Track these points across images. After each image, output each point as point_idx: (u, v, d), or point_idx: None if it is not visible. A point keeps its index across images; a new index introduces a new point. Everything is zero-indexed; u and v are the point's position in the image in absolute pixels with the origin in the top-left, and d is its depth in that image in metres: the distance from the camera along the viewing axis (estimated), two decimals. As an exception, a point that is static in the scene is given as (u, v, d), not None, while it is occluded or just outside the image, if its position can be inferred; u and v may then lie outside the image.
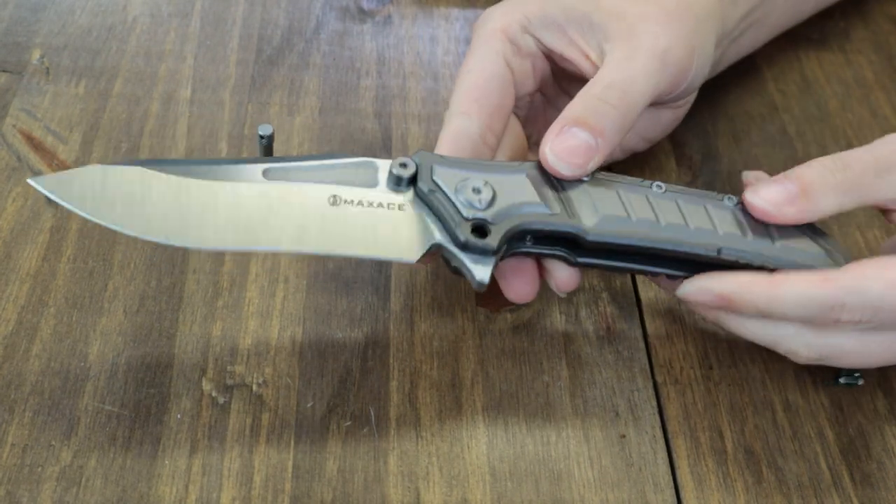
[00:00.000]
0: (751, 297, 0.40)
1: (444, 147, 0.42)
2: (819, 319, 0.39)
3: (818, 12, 0.62)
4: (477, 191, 0.40)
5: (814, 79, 0.59)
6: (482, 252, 0.39)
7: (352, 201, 0.40)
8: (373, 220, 0.40)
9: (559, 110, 0.42)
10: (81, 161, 0.50)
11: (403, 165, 0.40)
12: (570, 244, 0.41)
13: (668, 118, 0.50)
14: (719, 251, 0.40)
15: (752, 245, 0.41)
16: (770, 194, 0.41)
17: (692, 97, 0.50)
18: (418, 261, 0.40)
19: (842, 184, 0.40)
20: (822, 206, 0.40)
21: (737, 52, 0.54)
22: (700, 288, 0.41)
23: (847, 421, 0.44)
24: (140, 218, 0.38)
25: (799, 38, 0.61)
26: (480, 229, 0.39)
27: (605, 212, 0.40)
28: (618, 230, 0.40)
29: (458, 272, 0.40)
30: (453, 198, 0.40)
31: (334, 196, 0.40)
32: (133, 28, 0.58)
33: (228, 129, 0.53)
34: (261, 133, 0.49)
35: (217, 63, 0.57)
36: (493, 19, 0.46)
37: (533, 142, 0.49)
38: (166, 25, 0.59)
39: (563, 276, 0.42)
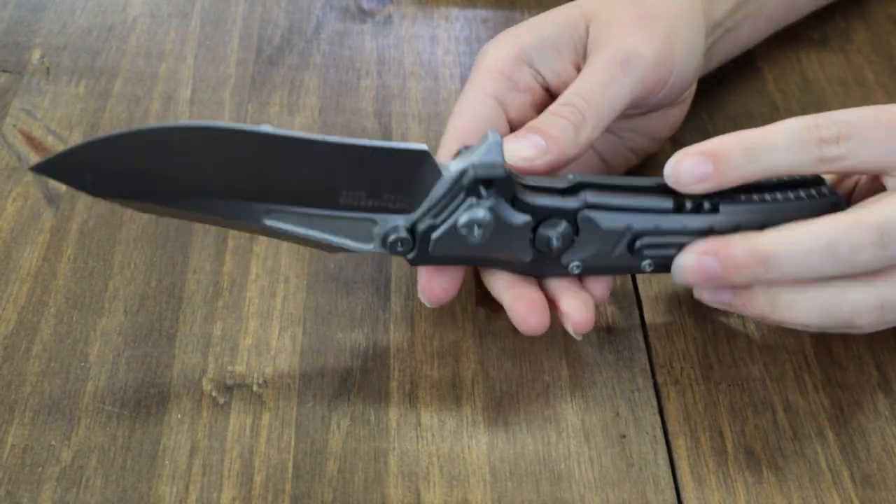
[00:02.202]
0: (735, 138, 0.40)
1: None
2: (803, 149, 0.39)
3: (819, 10, 0.62)
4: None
5: (814, 79, 0.59)
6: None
7: None
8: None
9: None
10: (81, 161, 0.50)
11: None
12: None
13: (676, 115, 0.50)
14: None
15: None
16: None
17: (691, 91, 0.50)
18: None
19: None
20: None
21: (734, 43, 0.54)
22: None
23: (847, 421, 0.44)
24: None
25: (799, 38, 0.61)
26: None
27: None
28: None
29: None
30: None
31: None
32: (133, 28, 0.58)
33: (228, 128, 0.53)
34: (261, 133, 0.49)
35: (217, 63, 0.57)
36: (488, 56, 0.46)
37: None
38: (166, 25, 0.59)
39: (579, 318, 0.42)
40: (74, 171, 0.37)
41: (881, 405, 0.45)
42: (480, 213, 0.40)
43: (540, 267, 0.42)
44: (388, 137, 0.54)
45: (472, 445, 0.42)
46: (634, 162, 0.51)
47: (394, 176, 0.39)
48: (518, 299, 0.42)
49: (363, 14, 0.61)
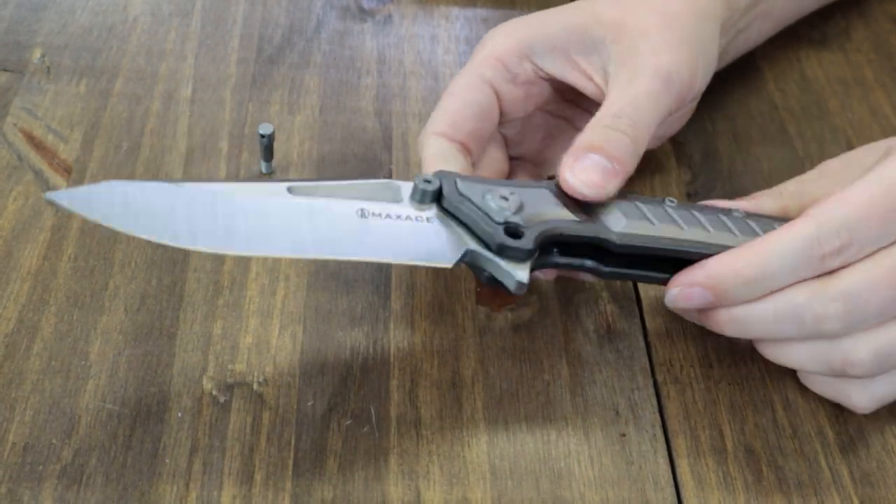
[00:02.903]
0: (736, 277, 0.39)
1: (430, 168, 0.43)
2: (807, 266, 0.39)
3: (818, 10, 0.62)
4: (504, 198, 0.40)
5: (814, 78, 0.59)
6: (517, 254, 0.39)
7: (380, 214, 0.40)
8: (403, 230, 0.40)
9: (568, 122, 0.42)
10: (82, 160, 0.50)
11: (428, 181, 0.40)
12: (597, 253, 0.41)
13: (681, 114, 0.50)
14: None
15: None
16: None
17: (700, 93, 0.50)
18: (453, 265, 0.40)
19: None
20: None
21: (744, 43, 0.54)
22: (684, 285, 0.41)
23: (847, 420, 0.44)
24: (166, 227, 0.38)
25: (799, 37, 0.61)
26: (514, 231, 0.39)
27: (629, 220, 0.41)
28: (644, 234, 0.41)
29: (493, 281, 0.40)
30: (482, 206, 0.40)
31: (362, 209, 0.40)
32: (134, 27, 0.58)
33: (229, 128, 0.53)
34: (261, 132, 0.49)
35: (217, 62, 0.57)
36: (492, 43, 0.46)
37: (518, 154, 0.49)
38: (167, 25, 0.59)
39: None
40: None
41: (881, 404, 0.45)
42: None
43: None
44: (389, 136, 0.54)
45: (472, 444, 0.42)
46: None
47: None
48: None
49: (363, 13, 0.61)
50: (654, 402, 0.44)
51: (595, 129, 0.42)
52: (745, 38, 0.54)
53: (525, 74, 0.46)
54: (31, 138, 0.51)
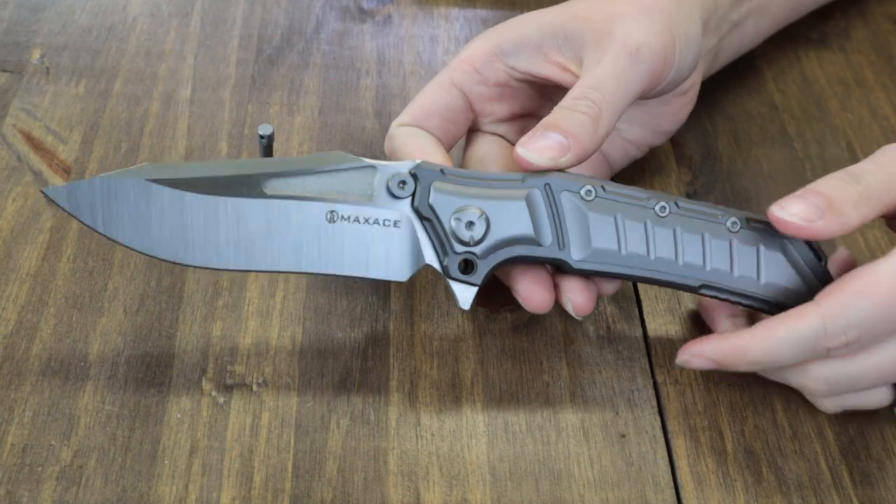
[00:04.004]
0: (742, 358, 0.41)
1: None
2: (812, 354, 0.40)
3: (818, 9, 0.62)
4: (470, 225, 0.41)
5: (814, 79, 0.59)
6: (467, 284, 0.42)
7: (348, 218, 0.42)
8: (367, 238, 0.42)
9: None
10: (81, 161, 0.50)
11: (402, 184, 0.41)
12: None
13: (678, 107, 0.50)
14: (700, 287, 0.42)
15: (736, 283, 0.42)
16: (799, 209, 0.40)
17: (695, 83, 0.50)
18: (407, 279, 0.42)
19: (862, 195, 0.40)
20: (848, 218, 0.40)
21: (740, 40, 0.54)
22: (692, 355, 0.42)
23: (847, 421, 0.44)
24: (146, 235, 0.41)
25: (799, 37, 0.61)
26: (469, 264, 0.42)
27: (595, 245, 0.41)
28: (605, 262, 0.42)
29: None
30: (448, 228, 0.41)
31: (332, 212, 0.41)
32: (133, 28, 0.58)
33: (228, 128, 0.53)
34: (261, 133, 0.49)
35: (217, 63, 0.57)
36: (466, 49, 0.47)
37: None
38: (166, 25, 0.59)
39: (579, 300, 0.43)
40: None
41: (881, 405, 0.44)
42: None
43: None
44: (388, 137, 0.54)
45: (472, 445, 0.42)
46: (637, 154, 0.51)
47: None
48: (525, 279, 0.43)
49: (363, 14, 0.61)
50: (654, 402, 0.44)
51: (555, 111, 0.43)
52: (741, 34, 0.54)
53: (496, 76, 0.47)
54: (30, 139, 0.51)
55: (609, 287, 0.44)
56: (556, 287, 0.43)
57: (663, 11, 0.45)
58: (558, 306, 0.44)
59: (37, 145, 0.51)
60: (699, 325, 0.46)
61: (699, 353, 0.41)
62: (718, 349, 0.41)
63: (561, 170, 0.42)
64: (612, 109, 0.43)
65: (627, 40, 0.44)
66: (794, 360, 0.41)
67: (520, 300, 0.43)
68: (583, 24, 0.45)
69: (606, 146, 0.50)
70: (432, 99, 0.46)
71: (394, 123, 0.46)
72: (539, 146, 0.42)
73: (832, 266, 0.43)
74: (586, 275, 0.42)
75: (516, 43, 0.46)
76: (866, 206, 0.40)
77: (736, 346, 0.41)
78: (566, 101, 0.43)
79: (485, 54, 0.46)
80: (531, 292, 0.43)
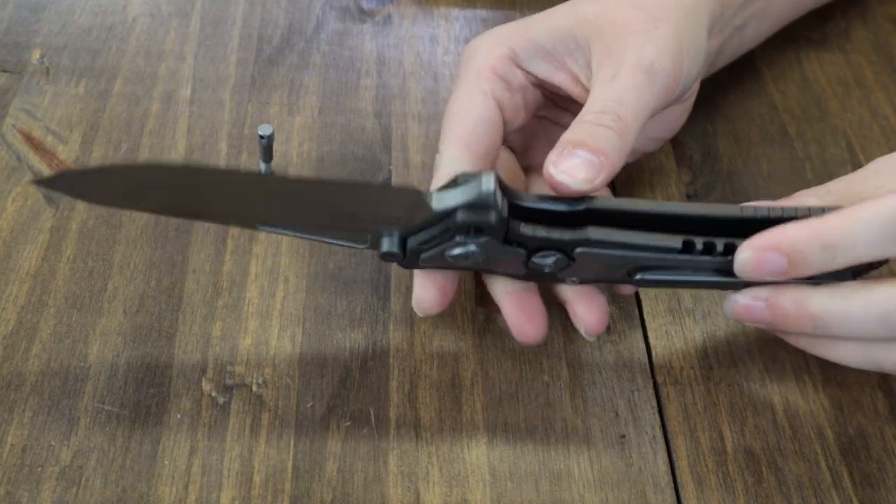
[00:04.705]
0: (814, 233, 0.38)
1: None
2: (889, 239, 0.37)
3: (818, 10, 0.62)
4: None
5: (814, 79, 0.59)
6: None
7: None
8: None
9: (563, 127, 0.42)
10: (81, 161, 0.50)
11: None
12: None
13: (677, 114, 0.50)
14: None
15: None
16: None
17: (695, 88, 0.50)
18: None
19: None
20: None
21: (740, 43, 0.54)
22: (756, 248, 0.38)
23: (847, 421, 0.44)
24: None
25: (799, 38, 0.61)
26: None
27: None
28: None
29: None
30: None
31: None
32: (133, 28, 0.58)
33: (228, 128, 0.53)
34: (261, 133, 0.49)
35: (217, 63, 0.57)
36: (480, 54, 0.45)
37: (526, 165, 0.49)
38: (166, 25, 0.59)
39: (591, 319, 0.42)
40: (75, 188, 0.39)
41: (881, 405, 0.44)
42: (471, 247, 0.39)
43: (537, 278, 0.42)
44: (388, 137, 0.54)
45: (472, 445, 0.42)
46: (629, 161, 0.51)
47: (387, 211, 0.39)
48: (516, 309, 0.42)
49: (363, 14, 0.61)
50: (654, 403, 0.44)
51: (579, 126, 0.41)
52: (741, 37, 0.53)
53: (518, 81, 0.45)
54: (30, 139, 0.51)
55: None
56: (563, 307, 0.43)
57: (671, 21, 0.45)
58: (559, 306, 0.44)
59: (37, 145, 0.51)
60: (699, 325, 0.47)
61: (767, 245, 0.38)
62: (789, 232, 0.38)
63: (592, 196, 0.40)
64: (635, 125, 0.42)
65: (641, 56, 0.43)
66: (871, 246, 0.38)
67: (512, 332, 0.42)
68: (592, 32, 0.44)
69: None
70: (476, 121, 0.43)
71: (442, 155, 0.43)
72: (570, 165, 0.40)
73: (749, 301, 0.41)
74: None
75: (528, 47, 0.45)
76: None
77: (810, 226, 0.38)
78: (588, 115, 0.41)
79: (503, 59, 0.45)
80: (523, 326, 0.42)
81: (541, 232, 0.39)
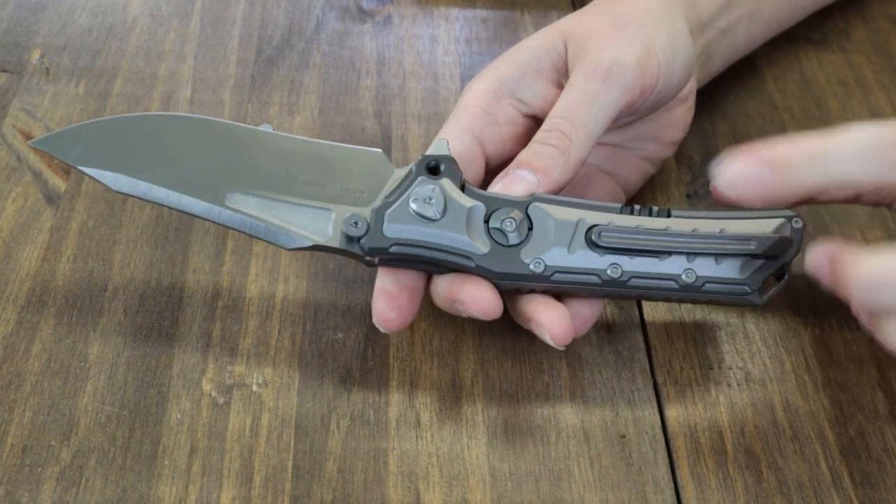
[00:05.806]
0: (794, 144, 0.38)
1: None
2: (882, 159, 0.37)
3: (818, 11, 0.62)
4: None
5: (814, 79, 0.59)
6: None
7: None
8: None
9: None
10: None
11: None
12: None
13: (682, 114, 0.50)
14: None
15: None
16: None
17: (691, 87, 0.50)
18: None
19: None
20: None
21: (731, 45, 0.54)
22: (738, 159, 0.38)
23: (847, 421, 0.44)
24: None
25: (799, 38, 0.61)
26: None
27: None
28: None
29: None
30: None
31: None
32: (133, 28, 0.58)
33: (228, 128, 0.53)
34: (261, 133, 0.49)
35: (217, 63, 0.57)
36: (470, 92, 0.46)
37: None
38: (166, 25, 0.59)
39: (555, 328, 0.41)
40: (64, 146, 0.42)
41: (881, 405, 0.44)
42: (429, 187, 0.41)
43: (501, 264, 0.41)
44: (388, 137, 0.54)
45: (472, 445, 0.42)
46: (651, 171, 0.50)
47: (351, 172, 0.42)
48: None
49: (363, 14, 0.61)
50: (654, 403, 0.44)
51: (528, 147, 0.43)
52: (732, 40, 0.53)
53: (505, 114, 0.45)
54: (30, 139, 0.51)
55: (585, 310, 0.43)
56: (529, 323, 0.42)
57: (639, 23, 0.45)
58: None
59: (37, 145, 0.51)
60: (700, 325, 0.47)
61: (753, 155, 0.38)
62: (769, 145, 0.38)
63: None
64: (583, 137, 0.42)
65: (598, 61, 0.43)
66: (861, 161, 0.37)
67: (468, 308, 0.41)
68: (568, 41, 0.45)
69: (622, 169, 0.49)
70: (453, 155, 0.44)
71: None
72: (507, 182, 0.42)
73: (819, 257, 0.40)
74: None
75: (515, 73, 0.45)
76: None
77: (795, 141, 0.37)
78: (538, 134, 0.43)
79: (489, 93, 0.45)
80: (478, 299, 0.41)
81: (494, 194, 0.42)
